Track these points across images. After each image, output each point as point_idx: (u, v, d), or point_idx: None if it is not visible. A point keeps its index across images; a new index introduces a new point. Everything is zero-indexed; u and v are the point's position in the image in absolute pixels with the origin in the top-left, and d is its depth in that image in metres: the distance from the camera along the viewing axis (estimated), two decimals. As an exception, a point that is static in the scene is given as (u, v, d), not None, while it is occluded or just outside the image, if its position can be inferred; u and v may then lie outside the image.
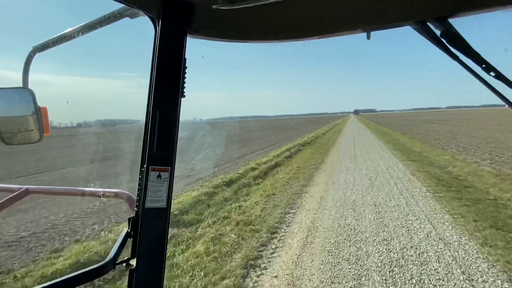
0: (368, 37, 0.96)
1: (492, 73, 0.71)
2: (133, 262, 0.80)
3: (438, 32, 0.79)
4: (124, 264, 0.81)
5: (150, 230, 0.81)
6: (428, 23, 0.80)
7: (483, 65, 0.71)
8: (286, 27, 0.94)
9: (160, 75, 0.80)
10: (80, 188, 1.09)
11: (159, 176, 0.80)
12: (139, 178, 0.82)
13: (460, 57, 0.76)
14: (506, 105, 0.76)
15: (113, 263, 0.78)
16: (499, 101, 0.77)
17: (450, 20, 0.78)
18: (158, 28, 0.82)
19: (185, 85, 0.85)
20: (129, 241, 0.84)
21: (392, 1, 0.78)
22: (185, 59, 0.84)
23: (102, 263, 0.76)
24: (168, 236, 0.87)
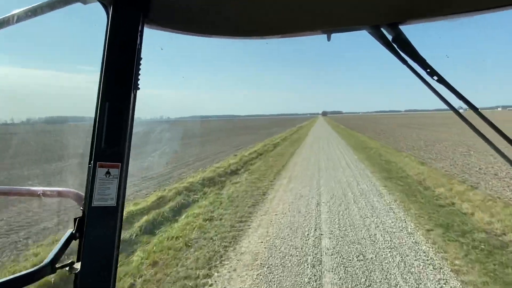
0: (329, 39, 0.99)
1: (435, 77, 0.76)
2: (78, 265, 0.74)
3: (390, 37, 0.83)
4: (67, 268, 0.75)
5: (98, 230, 0.75)
6: (381, 28, 0.84)
7: (428, 70, 0.77)
8: (246, 24, 0.93)
9: (111, 65, 0.75)
10: (18, 187, 0.96)
11: (108, 172, 0.75)
12: (87, 175, 0.77)
13: (408, 62, 0.80)
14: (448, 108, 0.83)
15: (51, 266, 0.71)
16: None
17: (401, 27, 0.82)
18: (110, 15, 0.77)
19: (139, 77, 0.81)
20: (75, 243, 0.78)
21: (349, 6, 0.81)
22: (139, 49, 0.79)
23: (38, 266, 0.69)
24: (121, 237, 0.82)
